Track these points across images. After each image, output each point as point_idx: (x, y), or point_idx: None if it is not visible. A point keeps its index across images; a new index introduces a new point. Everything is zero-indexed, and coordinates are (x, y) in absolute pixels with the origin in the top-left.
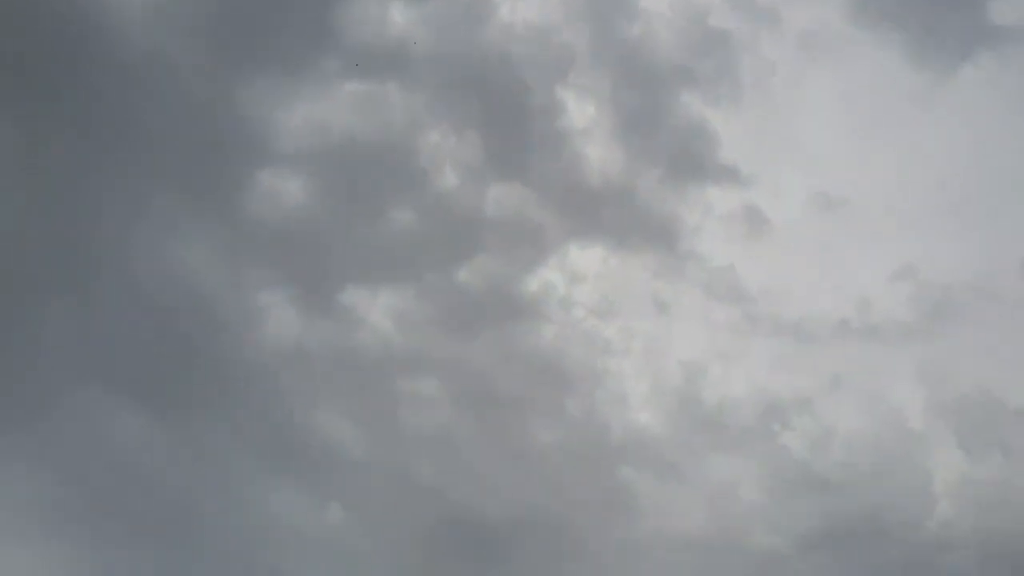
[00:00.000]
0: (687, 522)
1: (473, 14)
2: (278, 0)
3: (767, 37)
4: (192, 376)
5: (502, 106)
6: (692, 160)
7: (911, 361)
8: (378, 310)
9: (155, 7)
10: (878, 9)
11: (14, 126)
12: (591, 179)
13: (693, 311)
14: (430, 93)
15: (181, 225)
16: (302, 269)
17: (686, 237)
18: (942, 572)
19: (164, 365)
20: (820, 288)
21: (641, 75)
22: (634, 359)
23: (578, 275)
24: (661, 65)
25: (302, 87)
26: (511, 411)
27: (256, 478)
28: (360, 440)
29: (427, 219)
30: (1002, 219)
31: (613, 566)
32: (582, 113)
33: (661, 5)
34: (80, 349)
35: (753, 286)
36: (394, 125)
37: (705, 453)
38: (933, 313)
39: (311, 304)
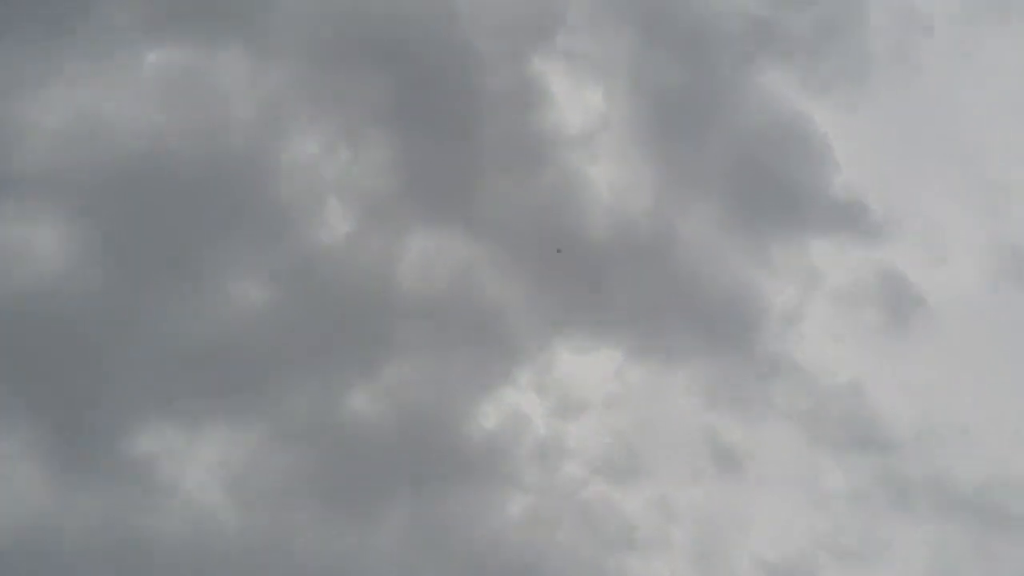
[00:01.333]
0: None
1: None
2: None
3: None
4: None
5: (434, 91)
6: (778, 190)
7: None
8: (197, 467)
9: None
10: None
11: None
12: (595, 223)
13: (786, 466)
14: (298, 67)
15: None
16: (56, 394)
17: (770, 330)
18: None
19: None
20: (1020, 429)
21: (683, 37)
22: (678, 554)
23: (571, 400)
24: (719, 21)
25: (59, 60)
26: None
27: None
28: None
29: (291, 295)
30: None
31: None
32: (581, 104)
33: None
34: None
35: (897, 422)
36: (231, 123)
37: None
38: None
39: (71, 457)
